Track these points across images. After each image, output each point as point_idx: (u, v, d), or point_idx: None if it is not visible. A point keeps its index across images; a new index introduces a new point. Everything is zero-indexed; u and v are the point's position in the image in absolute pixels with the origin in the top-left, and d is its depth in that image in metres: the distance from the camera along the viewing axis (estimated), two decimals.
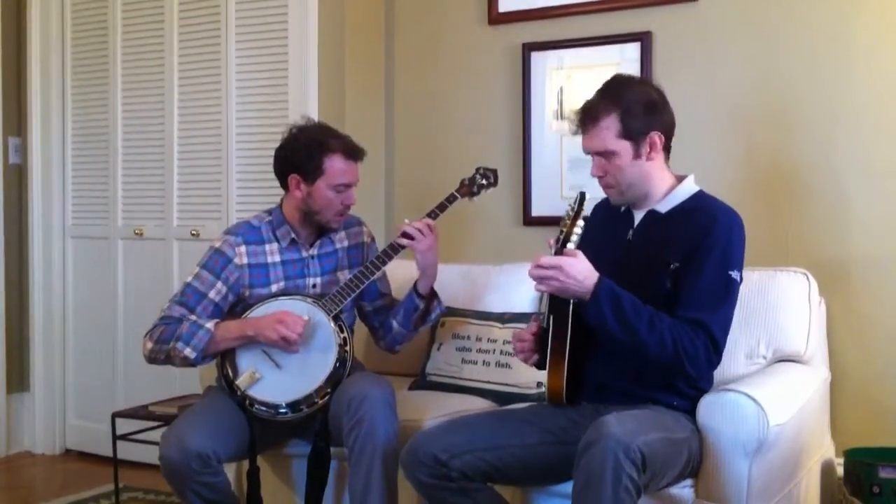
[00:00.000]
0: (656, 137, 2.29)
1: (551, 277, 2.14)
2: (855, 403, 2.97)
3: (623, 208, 2.40)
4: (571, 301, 2.21)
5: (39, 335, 4.29)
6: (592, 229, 2.49)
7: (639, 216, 2.37)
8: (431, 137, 3.77)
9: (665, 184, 2.35)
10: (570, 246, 2.15)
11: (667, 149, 2.35)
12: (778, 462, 2.31)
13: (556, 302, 2.23)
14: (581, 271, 2.14)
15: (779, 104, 3.11)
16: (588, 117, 2.31)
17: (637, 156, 2.29)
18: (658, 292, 2.22)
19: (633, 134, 2.27)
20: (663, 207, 2.34)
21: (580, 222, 2.16)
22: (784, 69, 3.10)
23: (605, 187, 2.36)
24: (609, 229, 2.41)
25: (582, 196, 2.19)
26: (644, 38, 3.30)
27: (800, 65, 3.08)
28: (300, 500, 2.75)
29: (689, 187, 2.36)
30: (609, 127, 2.27)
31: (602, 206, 2.49)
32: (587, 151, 2.34)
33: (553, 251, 2.17)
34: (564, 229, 2.17)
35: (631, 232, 2.37)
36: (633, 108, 2.27)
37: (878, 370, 2.97)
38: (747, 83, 3.16)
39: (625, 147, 2.28)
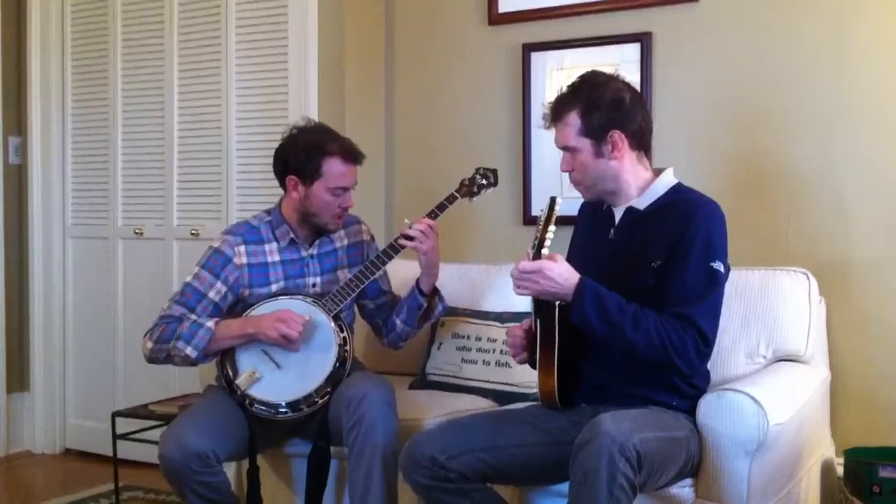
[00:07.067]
0: (617, 137, 2.27)
1: (531, 280, 2.15)
2: (855, 403, 2.97)
3: (605, 206, 2.40)
4: (557, 305, 2.21)
5: (39, 335, 4.30)
6: (579, 230, 2.51)
7: (619, 214, 2.36)
8: (431, 137, 3.77)
9: (639, 180, 2.34)
10: (545, 251, 2.15)
11: (642, 148, 2.34)
12: (778, 461, 2.31)
13: (542, 306, 2.24)
14: (561, 273, 2.16)
15: (779, 104, 3.11)
16: (553, 112, 2.34)
17: (599, 154, 2.29)
18: (642, 290, 2.22)
19: (593, 132, 2.28)
20: (641, 204, 2.33)
21: (552, 227, 2.16)
22: (784, 69, 3.10)
23: (574, 183, 2.37)
24: (593, 229, 2.42)
25: (552, 201, 2.18)
26: (644, 39, 3.30)
27: (800, 65, 3.08)
28: (300, 500, 2.75)
29: (666, 181, 2.35)
30: (571, 123, 2.29)
31: (587, 206, 2.49)
32: (556, 146, 2.37)
33: (530, 258, 2.17)
34: (538, 235, 2.17)
35: (612, 231, 2.36)
36: (596, 106, 2.27)
37: (878, 370, 2.97)
38: (747, 83, 3.16)
39: (585, 145, 2.29)
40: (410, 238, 2.71)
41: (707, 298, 2.20)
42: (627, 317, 2.15)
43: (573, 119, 2.29)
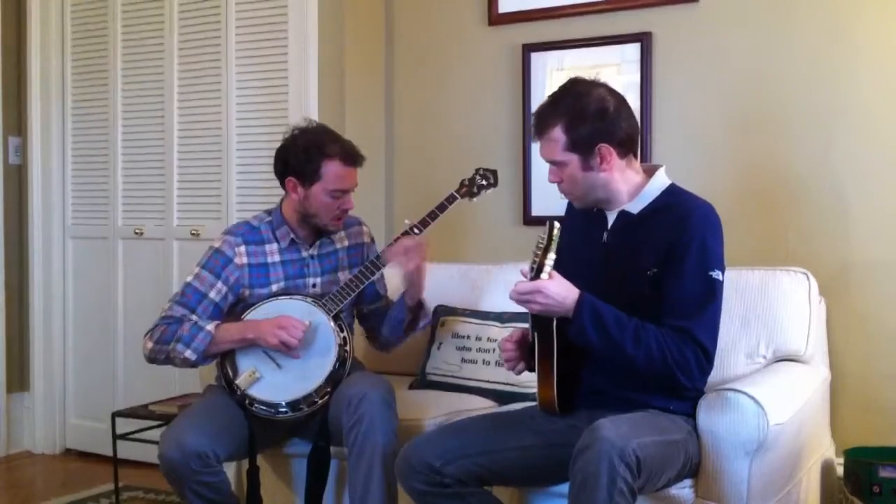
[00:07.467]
0: (605, 150, 2.22)
1: (531, 301, 2.12)
2: (855, 403, 2.97)
3: (595, 208, 2.36)
4: (554, 318, 2.18)
5: (39, 335, 4.30)
6: (568, 230, 2.47)
7: (611, 217, 2.32)
8: (431, 138, 3.77)
9: (630, 185, 2.29)
10: (544, 276, 2.10)
11: (630, 152, 2.29)
12: (778, 462, 2.31)
13: (539, 320, 2.21)
14: (559, 292, 2.12)
15: (779, 105, 3.11)
16: (537, 126, 2.28)
17: (587, 168, 2.24)
18: (637, 298, 2.20)
19: (579, 146, 2.22)
20: (635, 208, 2.29)
21: (552, 255, 2.10)
22: (784, 70, 3.10)
23: (564, 193, 2.33)
24: (585, 231, 2.37)
25: (551, 226, 2.10)
26: (644, 39, 3.30)
27: (799, 66, 3.08)
28: (300, 500, 2.75)
29: (659, 182, 2.31)
30: (556, 139, 2.23)
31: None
32: (543, 159, 2.32)
33: (528, 279, 2.13)
34: (536, 259, 2.12)
35: (606, 235, 2.32)
36: (580, 118, 2.21)
37: (878, 370, 2.97)
38: (747, 84, 3.16)
39: (572, 159, 2.24)
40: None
41: (706, 310, 2.17)
42: (627, 332, 2.13)
43: (557, 134, 2.23)
